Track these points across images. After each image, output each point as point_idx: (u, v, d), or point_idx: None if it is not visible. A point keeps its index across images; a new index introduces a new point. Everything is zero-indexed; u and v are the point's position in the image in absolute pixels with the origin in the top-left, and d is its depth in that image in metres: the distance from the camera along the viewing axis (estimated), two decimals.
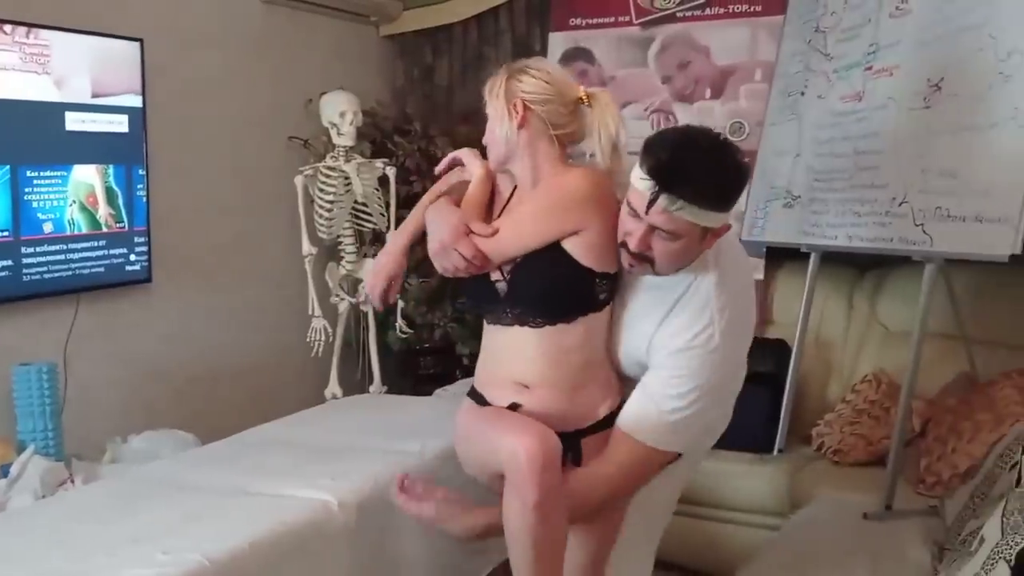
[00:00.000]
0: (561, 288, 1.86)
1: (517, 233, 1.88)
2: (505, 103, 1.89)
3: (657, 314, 1.84)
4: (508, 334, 1.91)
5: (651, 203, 1.68)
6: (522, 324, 1.88)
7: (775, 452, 3.21)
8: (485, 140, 1.96)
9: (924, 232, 2.51)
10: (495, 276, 1.91)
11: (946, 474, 2.63)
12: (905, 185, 2.63)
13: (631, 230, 1.74)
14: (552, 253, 1.85)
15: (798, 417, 3.33)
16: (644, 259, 1.76)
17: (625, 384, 1.93)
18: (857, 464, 3.00)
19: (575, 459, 1.87)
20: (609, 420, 1.89)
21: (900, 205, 2.64)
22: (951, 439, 2.71)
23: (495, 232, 1.88)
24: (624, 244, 1.77)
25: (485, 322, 1.99)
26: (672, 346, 1.81)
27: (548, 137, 1.90)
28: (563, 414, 1.87)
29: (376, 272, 2.06)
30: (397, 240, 2.08)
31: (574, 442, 1.87)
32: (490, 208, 1.99)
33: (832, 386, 3.51)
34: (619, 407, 1.89)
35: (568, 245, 1.84)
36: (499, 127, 1.90)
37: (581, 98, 1.90)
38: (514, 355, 1.91)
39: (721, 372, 1.83)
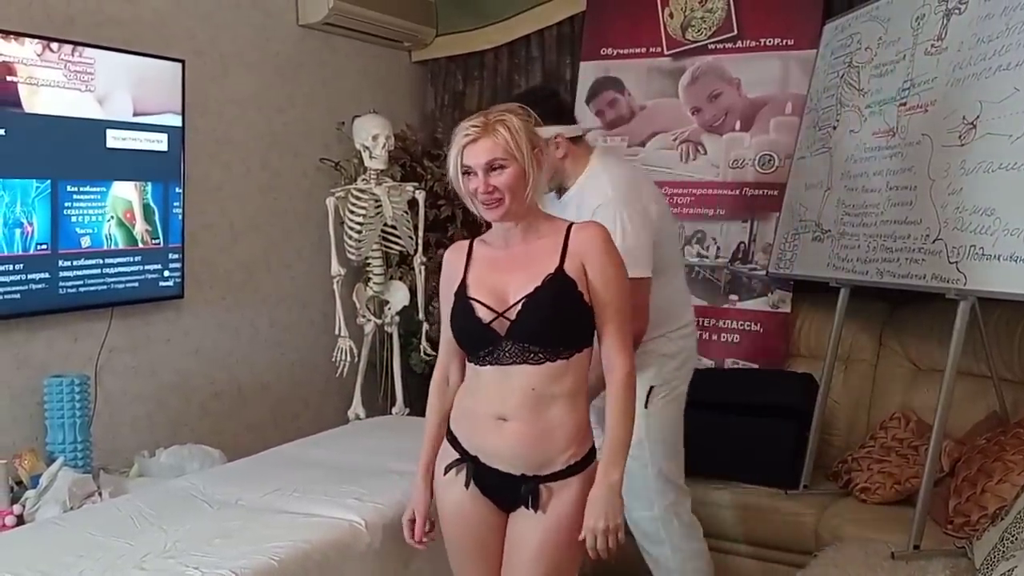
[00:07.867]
0: (569, 324, 1.87)
1: (625, 297, 1.93)
2: (530, 146, 1.88)
3: None
4: (501, 371, 1.88)
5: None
6: (521, 362, 1.86)
7: (800, 488, 3.18)
8: (504, 185, 1.86)
9: (959, 270, 2.50)
10: (488, 316, 1.87)
11: (975, 515, 2.60)
12: (939, 222, 2.63)
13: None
14: (563, 288, 1.85)
15: (823, 452, 3.31)
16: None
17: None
18: (884, 503, 2.97)
19: (533, 502, 1.86)
20: (569, 471, 1.87)
21: (934, 242, 2.63)
22: (980, 480, 2.69)
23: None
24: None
25: (472, 363, 1.95)
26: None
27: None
28: (528, 455, 1.87)
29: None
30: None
31: (533, 486, 1.86)
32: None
33: (859, 422, 3.48)
34: (582, 459, 1.89)
35: (579, 280, 1.87)
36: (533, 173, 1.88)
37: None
38: (502, 390, 1.88)
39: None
